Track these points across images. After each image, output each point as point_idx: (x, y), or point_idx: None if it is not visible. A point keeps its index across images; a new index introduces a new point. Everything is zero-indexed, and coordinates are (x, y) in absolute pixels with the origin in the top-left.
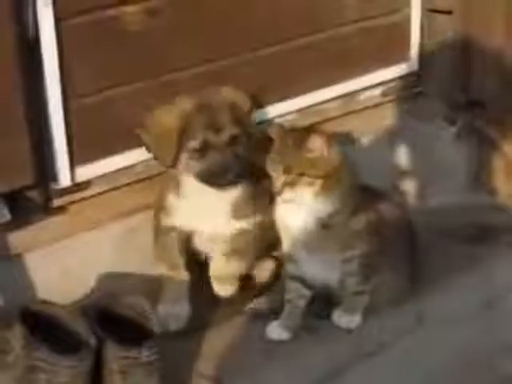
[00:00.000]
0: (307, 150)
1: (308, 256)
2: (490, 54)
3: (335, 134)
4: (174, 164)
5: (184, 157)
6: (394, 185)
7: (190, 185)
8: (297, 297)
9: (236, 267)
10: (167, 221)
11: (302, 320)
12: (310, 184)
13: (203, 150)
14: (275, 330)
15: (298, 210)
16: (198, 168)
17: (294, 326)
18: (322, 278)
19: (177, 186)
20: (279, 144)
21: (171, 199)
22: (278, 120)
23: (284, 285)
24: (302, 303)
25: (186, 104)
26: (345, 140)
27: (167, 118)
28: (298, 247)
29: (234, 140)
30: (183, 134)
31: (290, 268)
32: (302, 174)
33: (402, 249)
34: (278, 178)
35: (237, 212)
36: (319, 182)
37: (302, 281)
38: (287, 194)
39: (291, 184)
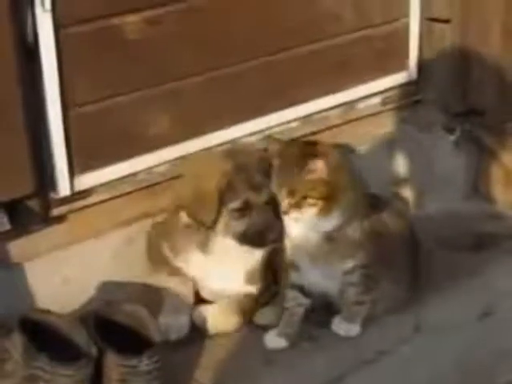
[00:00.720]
0: (308, 173)
1: (310, 265)
2: (488, 63)
3: (335, 146)
4: (214, 225)
5: (224, 217)
6: (395, 193)
7: (220, 244)
8: (295, 305)
9: (234, 324)
10: (177, 262)
11: (300, 328)
12: (314, 204)
13: (245, 210)
14: (273, 339)
15: (302, 224)
16: (239, 228)
17: (293, 334)
18: (323, 287)
19: (204, 242)
20: (280, 166)
21: (194, 253)
22: (278, 129)
23: (283, 295)
24: (300, 311)
25: (223, 164)
26: (345, 150)
27: (206, 179)
28: (301, 256)
29: (272, 198)
30: (224, 195)
31: (291, 276)
32: (305, 197)
33: (405, 258)
34: (283, 200)
35: (251, 276)
36: (322, 202)
37: (302, 289)
38: (293, 214)
39: (296, 205)
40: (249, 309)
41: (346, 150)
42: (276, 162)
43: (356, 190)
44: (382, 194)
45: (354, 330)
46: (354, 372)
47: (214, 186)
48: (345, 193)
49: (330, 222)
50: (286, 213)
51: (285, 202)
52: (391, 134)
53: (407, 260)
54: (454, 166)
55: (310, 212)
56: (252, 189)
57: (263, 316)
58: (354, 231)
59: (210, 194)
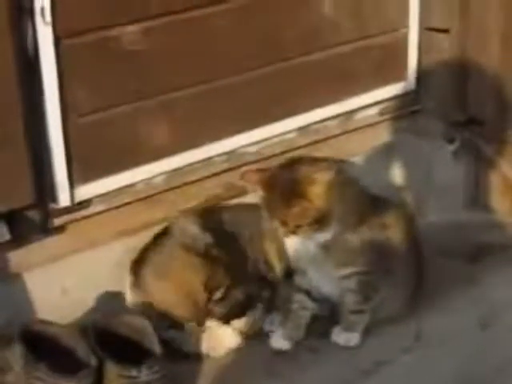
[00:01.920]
0: (293, 205)
1: (310, 270)
2: (487, 73)
3: (322, 161)
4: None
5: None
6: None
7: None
8: (300, 308)
9: (232, 343)
10: None
11: (305, 333)
12: (309, 227)
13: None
14: (278, 341)
15: (299, 238)
16: (221, 310)
17: (297, 338)
18: (325, 291)
19: None
20: (265, 198)
21: None
22: (276, 139)
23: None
24: (306, 315)
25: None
26: (332, 164)
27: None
28: (301, 262)
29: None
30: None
31: (297, 279)
32: (298, 226)
33: (408, 265)
34: (279, 229)
35: None
36: (316, 223)
37: (308, 293)
38: (291, 237)
39: (292, 232)
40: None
41: (334, 164)
42: (261, 193)
43: (351, 201)
44: (389, 198)
45: (353, 339)
46: (353, 382)
47: (203, 289)
48: (339, 207)
49: (325, 234)
50: (285, 236)
51: (281, 230)
52: (390, 144)
53: (410, 267)
54: (453, 175)
55: (306, 233)
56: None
57: (271, 323)
58: (351, 239)
59: (200, 298)
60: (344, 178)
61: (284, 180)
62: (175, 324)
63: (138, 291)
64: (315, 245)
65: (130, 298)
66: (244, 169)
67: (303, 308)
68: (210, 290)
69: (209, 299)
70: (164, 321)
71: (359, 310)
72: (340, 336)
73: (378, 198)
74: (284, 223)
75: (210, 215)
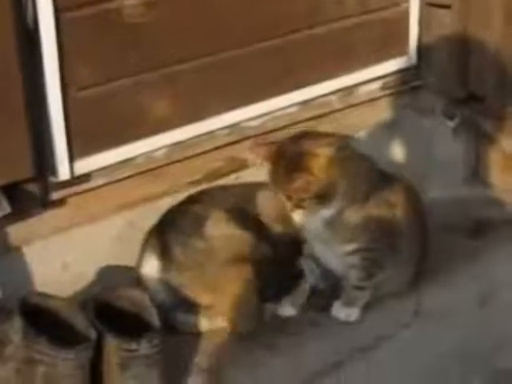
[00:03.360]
0: (295, 179)
1: (317, 245)
2: (489, 49)
3: (328, 136)
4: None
5: None
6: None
7: None
8: (309, 271)
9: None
10: None
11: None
12: (312, 201)
13: None
14: (285, 308)
15: (304, 213)
16: None
17: (302, 304)
18: (331, 265)
19: None
20: (271, 171)
21: None
22: (277, 113)
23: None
24: (311, 279)
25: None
26: (338, 139)
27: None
28: (307, 234)
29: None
30: None
31: (306, 248)
32: (302, 200)
33: (414, 241)
34: (285, 203)
35: None
36: (320, 197)
37: (315, 260)
38: (297, 213)
39: (296, 206)
40: None
41: (340, 139)
42: (267, 166)
43: (355, 177)
44: (397, 174)
45: (353, 315)
46: (353, 357)
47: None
48: (342, 182)
49: (329, 210)
50: (291, 211)
51: (286, 204)
52: (390, 120)
53: (415, 244)
54: (453, 151)
55: (311, 208)
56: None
57: (285, 308)
58: (355, 215)
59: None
60: (349, 153)
61: (288, 154)
62: (191, 308)
63: (166, 272)
64: (319, 220)
65: (151, 271)
66: (252, 141)
67: (310, 271)
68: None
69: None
70: (182, 304)
71: (362, 286)
72: (340, 311)
73: (386, 173)
74: (288, 197)
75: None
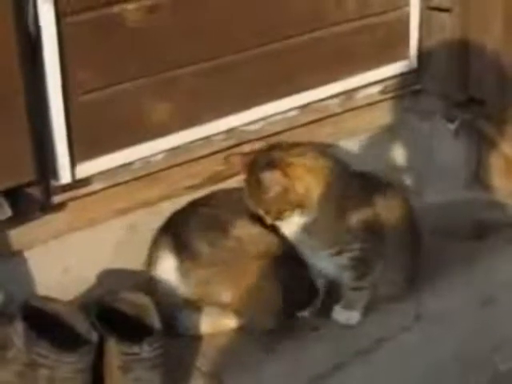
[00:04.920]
0: (269, 191)
1: (303, 249)
2: (489, 52)
3: (304, 146)
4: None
5: None
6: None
7: None
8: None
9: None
10: None
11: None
12: (292, 211)
13: None
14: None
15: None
16: None
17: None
18: (321, 267)
19: None
20: (246, 183)
21: None
22: (277, 117)
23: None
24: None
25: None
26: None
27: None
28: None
29: None
30: None
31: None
32: (279, 212)
33: (405, 244)
34: (264, 217)
35: None
36: (298, 207)
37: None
38: (278, 224)
39: (276, 219)
40: None
41: (313, 148)
42: (244, 185)
43: (331, 183)
44: (384, 177)
45: (354, 317)
46: (353, 361)
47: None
48: (318, 190)
49: (308, 217)
50: (271, 224)
51: (266, 218)
52: (391, 123)
53: (406, 245)
54: (454, 155)
55: (290, 218)
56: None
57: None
58: (334, 220)
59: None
60: (324, 161)
61: (261, 165)
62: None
63: (185, 270)
64: (299, 227)
65: (166, 270)
66: (228, 153)
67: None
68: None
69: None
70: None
71: (358, 286)
72: (340, 314)
73: (368, 177)
74: (266, 211)
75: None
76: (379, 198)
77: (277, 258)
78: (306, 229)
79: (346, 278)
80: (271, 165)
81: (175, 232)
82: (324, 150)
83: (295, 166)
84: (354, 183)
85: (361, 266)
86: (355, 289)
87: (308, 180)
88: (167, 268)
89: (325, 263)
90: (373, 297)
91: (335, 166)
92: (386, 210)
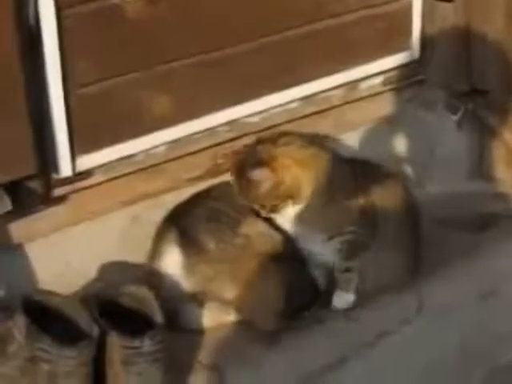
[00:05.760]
0: (260, 188)
1: (299, 236)
2: (492, 42)
3: (291, 136)
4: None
5: None
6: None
7: None
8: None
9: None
10: None
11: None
12: (287, 203)
13: None
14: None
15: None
16: None
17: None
18: (318, 253)
19: None
20: (238, 185)
21: None
22: (278, 109)
23: None
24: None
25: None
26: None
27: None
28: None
29: None
30: None
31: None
32: (273, 205)
33: (403, 234)
34: (260, 212)
35: None
36: (291, 198)
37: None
38: (275, 217)
39: (271, 212)
40: None
41: (298, 138)
42: (235, 185)
43: (321, 172)
44: (384, 166)
45: (348, 300)
46: (356, 353)
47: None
48: (307, 179)
49: (301, 205)
50: (267, 216)
51: (261, 212)
52: (393, 115)
53: (407, 234)
54: (456, 145)
55: (286, 210)
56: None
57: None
58: (327, 207)
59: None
60: (311, 149)
61: (249, 162)
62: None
63: (190, 265)
64: (292, 217)
65: (171, 264)
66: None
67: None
68: None
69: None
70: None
71: (347, 267)
72: (336, 300)
73: (366, 165)
74: (261, 207)
75: None
76: (376, 186)
77: (281, 258)
78: (300, 217)
79: (337, 259)
80: (259, 163)
81: (180, 225)
82: (312, 138)
83: (282, 158)
84: (346, 170)
85: (350, 248)
86: (345, 270)
87: (296, 170)
88: (171, 262)
89: (320, 250)
90: (373, 286)
91: (323, 153)
92: (383, 197)
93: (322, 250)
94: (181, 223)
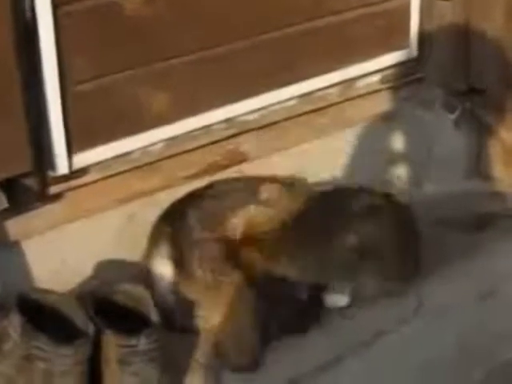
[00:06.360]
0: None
1: None
2: (490, 41)
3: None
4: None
5: None
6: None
7: None
8: None
9: None
10: None
11: None
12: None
13: None
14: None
15: None
16: None
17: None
18: None
19: None
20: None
21: None
22: (276, 107)
23: None
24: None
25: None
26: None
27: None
28: None
29: None
30: None
31: None
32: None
33: (397, 248)
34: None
35: None
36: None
37: None
38: None
39: None
40: None
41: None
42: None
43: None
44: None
45: (343, 299)
46: (353, 352)
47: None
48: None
49: None
50: None
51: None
52: (391, 113)
53: (402, 247)
54: (454, 144)
55: None
56: None
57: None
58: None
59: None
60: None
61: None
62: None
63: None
64: None
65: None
66: None
67: None
68: None
69: None
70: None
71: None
72: (331, 299)
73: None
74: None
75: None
76: (357, 214)
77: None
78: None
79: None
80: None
81: (174, 230)
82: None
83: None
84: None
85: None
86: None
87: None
88: (164, 272)
89: None
90: (372, 293)
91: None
92: (367, 228)
93: None
94: (175, 226)
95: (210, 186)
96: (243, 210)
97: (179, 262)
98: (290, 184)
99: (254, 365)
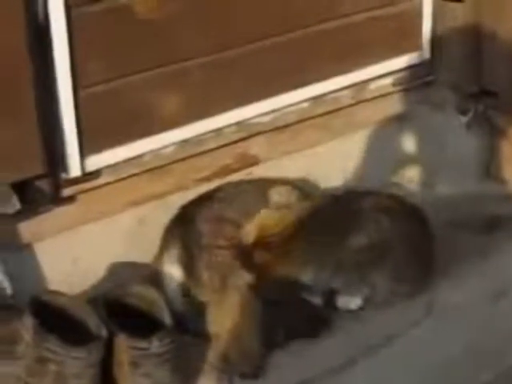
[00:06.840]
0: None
1: None
2: (502, 43)
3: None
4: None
5: None
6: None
7: None
8: None
9: None
10: None
11: None
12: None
13: None
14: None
15: None
16: None
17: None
18: None
19: None
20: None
21: None
22: (288, 109)
23: None
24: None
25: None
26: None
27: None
28: None
29: None
30: None
31: None
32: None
33: (404, 251)
34: None
35: None
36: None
37: None
38: None
39: None
40: None
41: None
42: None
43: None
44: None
45: (355, 302)
46: (366, 355)
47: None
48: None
49: None
50: None
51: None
52: (403, 115)
53: (416, 250)
54: (466, 147)
55: None
56: None
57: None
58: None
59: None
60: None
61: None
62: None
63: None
64: None
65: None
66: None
67: None
68: None
69: None
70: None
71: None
72: (342, 301)
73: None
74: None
75: None
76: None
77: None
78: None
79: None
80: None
81: (185, 234)
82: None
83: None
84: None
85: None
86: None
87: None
88: (173, 275)
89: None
90: (385, 296)
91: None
92: (380, 231)
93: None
94: (184, 229)
95: (219, 189)
96: (254, 214)
97: (188, 266)
98: (301, 186)
99: (257, 372)
